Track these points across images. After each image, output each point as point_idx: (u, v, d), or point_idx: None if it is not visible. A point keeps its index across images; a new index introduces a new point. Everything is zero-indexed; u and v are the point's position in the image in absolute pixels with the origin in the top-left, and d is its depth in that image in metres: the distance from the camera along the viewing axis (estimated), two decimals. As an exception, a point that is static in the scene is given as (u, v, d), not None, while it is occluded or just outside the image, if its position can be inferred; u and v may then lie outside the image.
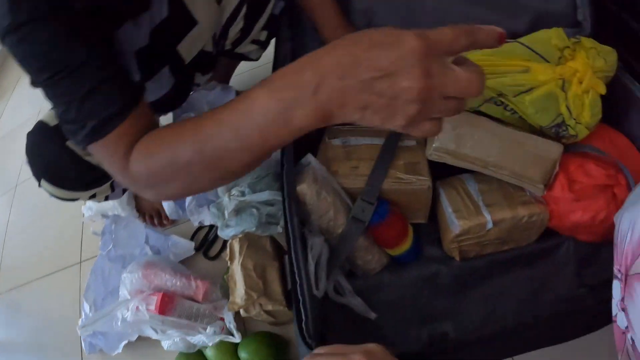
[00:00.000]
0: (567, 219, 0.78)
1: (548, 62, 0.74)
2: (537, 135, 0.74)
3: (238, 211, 0.88)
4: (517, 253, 0.82)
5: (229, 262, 0.83)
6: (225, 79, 1.17)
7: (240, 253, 0.82)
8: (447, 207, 0.79)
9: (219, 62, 1.05)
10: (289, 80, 0.40)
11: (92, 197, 0.81)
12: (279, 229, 0.89)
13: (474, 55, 0.70)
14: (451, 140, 0.74)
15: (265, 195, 0.86)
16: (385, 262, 0.84)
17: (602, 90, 0.74)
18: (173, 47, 0.74)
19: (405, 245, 0.82)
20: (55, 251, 1.26)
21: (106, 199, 0.87)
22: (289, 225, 0.69)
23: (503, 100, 0.75)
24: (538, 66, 0.72)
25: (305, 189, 0.75)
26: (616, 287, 0.49)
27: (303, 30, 0.92)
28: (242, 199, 0.89)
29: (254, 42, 0.93)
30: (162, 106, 0.84)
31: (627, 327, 0.46)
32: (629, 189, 0.76)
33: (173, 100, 0.85)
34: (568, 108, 0.73)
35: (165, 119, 1.10)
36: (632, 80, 0.80)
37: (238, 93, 1.14)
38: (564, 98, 0.73)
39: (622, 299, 0.47)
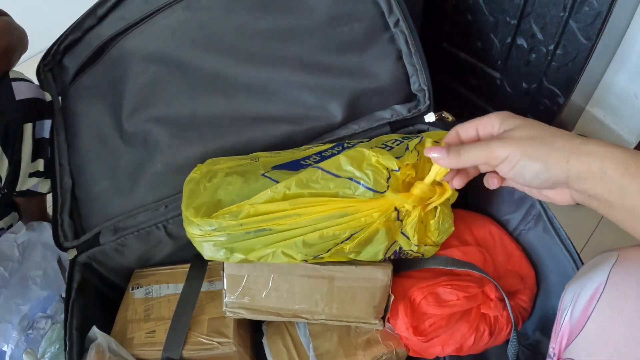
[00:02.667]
0: (428, 353, 0.62)
1: (373, 190, 0.48)
2: (350, 265, 0.57)
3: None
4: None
5: None
6: (40, 214, 1.00)
7: None
8: (270, 365, 0.62)
9: (19, 203, 0.91)
10: None
11: None
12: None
13: (267, 206, 0.48)
14: (242, 292, 0.57)
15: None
16: None
17: (454, 196, 0.58)
18: None
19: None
20: None
21: None
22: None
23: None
24: (358, 206, 0.49)
25: (87, 374, 0.58)
26: None
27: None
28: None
29: (32, 175, 0.77)
30: None
31: None
32: (501, 300, 0.60)
33: None
34: (405, 234, 0.54)
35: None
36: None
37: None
38: (398, 227, 0.53)
39: None
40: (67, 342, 0.63)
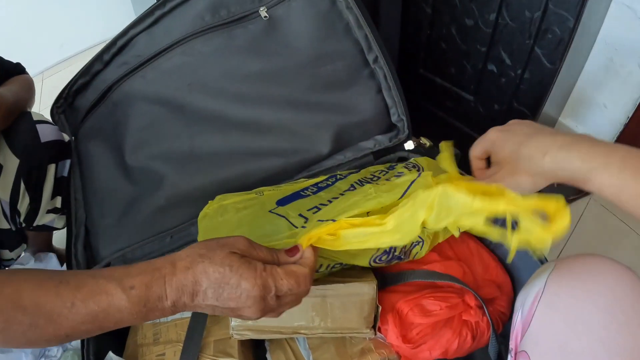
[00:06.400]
0: (417, 358, 0.67)
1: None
2: (338, 282, 0.63)
3: None
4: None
5: None
6: (46, 245, 1.04)
7: None
8: (274, 380, 0.68)
9: (28, 235, 0.96)
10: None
11: None
12: None
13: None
14: (246, 314, 0.62)
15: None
16: None
17: None
18: None
19: None
20: None
21: None
22: None
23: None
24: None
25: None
26: None
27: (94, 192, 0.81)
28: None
29: (50, 211, 0.83)
30: None
31: None
32: (481, 307, 0.67)
33: None
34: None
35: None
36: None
37: (60, 257, 1.02)
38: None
39: None
40: (84, 366, 0.68)
